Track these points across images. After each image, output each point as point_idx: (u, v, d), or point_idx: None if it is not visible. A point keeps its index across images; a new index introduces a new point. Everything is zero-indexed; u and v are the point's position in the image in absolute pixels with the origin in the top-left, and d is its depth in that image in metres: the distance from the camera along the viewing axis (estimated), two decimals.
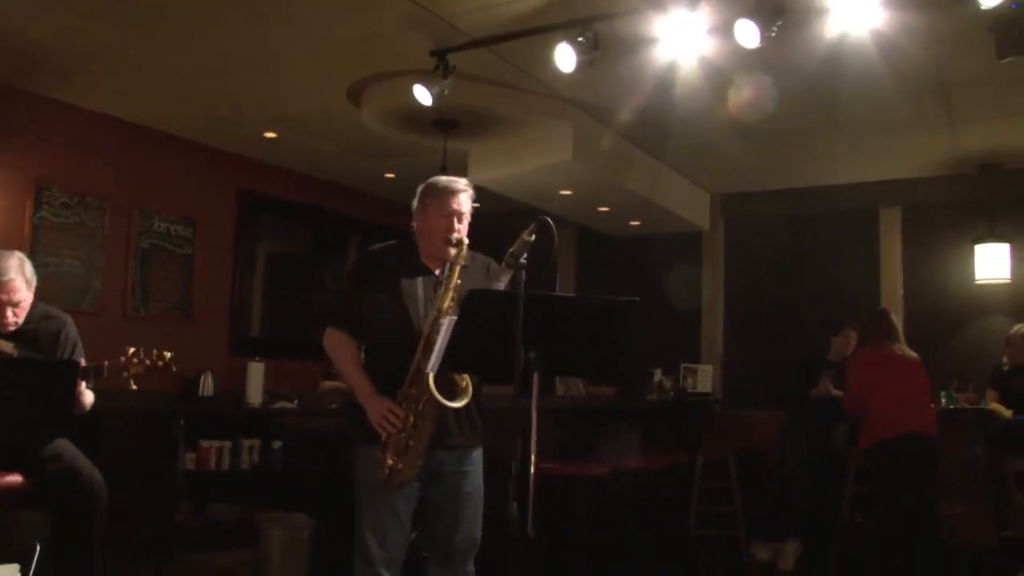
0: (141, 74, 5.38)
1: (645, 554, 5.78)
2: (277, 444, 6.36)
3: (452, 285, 2.93)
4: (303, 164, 7.32)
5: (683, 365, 7.48)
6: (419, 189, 3.19)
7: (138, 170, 6.30)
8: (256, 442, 6.34)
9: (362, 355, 3.20)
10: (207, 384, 6.43)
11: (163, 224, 6.46)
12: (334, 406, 6.36)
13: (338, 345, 3.15)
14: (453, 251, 3.00)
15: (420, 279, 3.09)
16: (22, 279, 3.61)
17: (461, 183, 3.12)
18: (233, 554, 5.45)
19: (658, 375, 7.17)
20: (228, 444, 6.22)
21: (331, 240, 7.92)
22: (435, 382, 2.80)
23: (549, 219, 2.59)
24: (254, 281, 7.30)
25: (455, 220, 3.05)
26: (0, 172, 5.43)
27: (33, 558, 1.34)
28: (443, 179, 3.14)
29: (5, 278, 3.55)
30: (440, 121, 5.60)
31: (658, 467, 5.71)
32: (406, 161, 6.83)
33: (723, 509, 6.38)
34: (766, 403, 7.01)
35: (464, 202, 3.09)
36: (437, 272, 3.11)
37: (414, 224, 3.19)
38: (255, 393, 6.60)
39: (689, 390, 7.36)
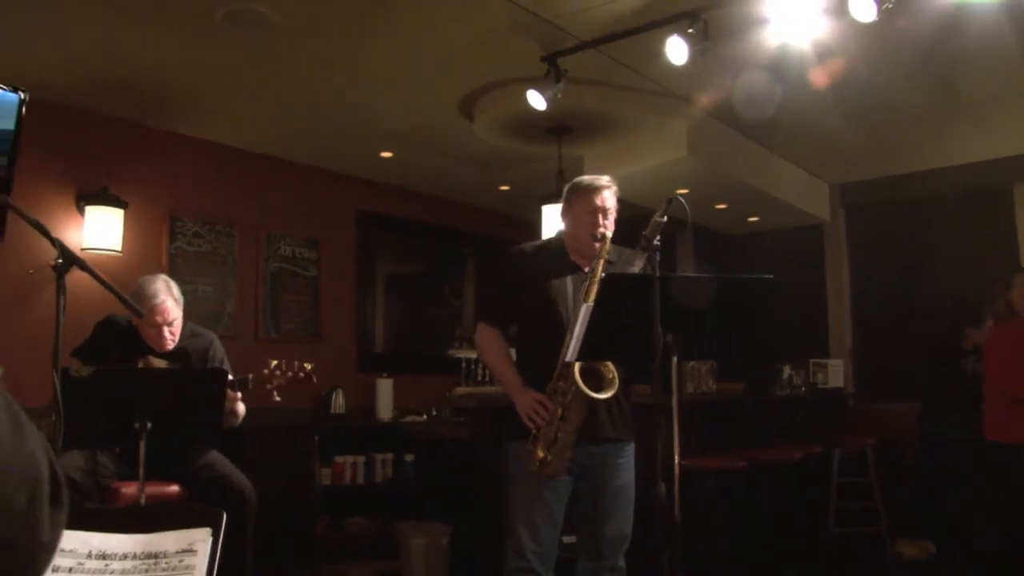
0: (259, 104, 5.60)
1: (785, 551, 5.65)
2: (409, 457, 6.49)
3: (597, 278, 2.96)
4: (418, 182, 7.45)
5: (812, 360, 7.31)
6: (565, 189, 3.28)
7: (263, 196, 6.55)
8: (389, 456, 6.50)
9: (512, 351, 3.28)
10: (339, 401, 6.61)
11: (289, 248, 6.68)
12: (462, 419, 6.43)
13: (488, 340, 3.24)
14: (598, 245, 3.05)
15: (569, 277, 3.16)
16: (172, 300, 3.80)
17: (604, 180, 3.19)
18: (374, 565, 5.58)
19: (786, 371, 7.02)
20: (362, 459, 6.39)
21: (448, 256, 8.05)
22: (582, 374, 2.83)
23: (680, 197, 2.59)
24: (376, 299, 7.48)
25: (600, 216, 3.11)
26: (138, 207, 5.70)
27: (221, 523, 1.42)
28: (587, 178, 3.23)
29: (156, 301, 3.73)
30: (554, 127, 5.64)
31: (793, 461, 5.59)
32: (520, 172, 6.90)
33: (863, 504, 6.19)
34: (901, 395, 6.80)
35: (608, 198, 3.15)
36: (586, 269, 3.15)
37: (562, 225, 3.27)
38: (385, 408, 6.76)
39: (820, 385, 7.18)
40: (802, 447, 5.82)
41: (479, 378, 7.43)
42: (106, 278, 5.35)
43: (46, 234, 2.49)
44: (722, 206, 7.19)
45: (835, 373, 7.38)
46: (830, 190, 7.92)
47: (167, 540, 1.35)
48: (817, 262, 8.03)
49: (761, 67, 4.83)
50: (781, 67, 4.80)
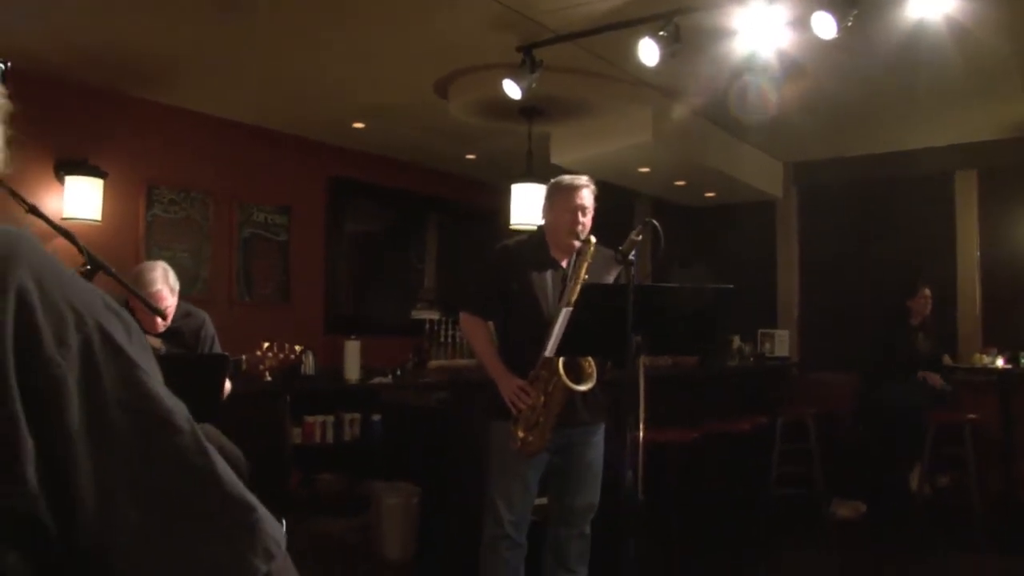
0: (238, 74, 5.69)
1: (731, 515, 6.04)
2: (376, 417, 6.74)
3: (580, 279, 3.23)
4: (388, 149, 7.61)
5: (760, 331, 7.67)
6: (546, 188, 3.53)
7: (237, 164, 6.68)
8: (356, 416, 6.73)
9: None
10: (309, 363, 6.80)
11: (261, 214, 6.85)
12: (427, 380, 6.69)
13: (474, 329, 3.52)
14: (579, 244, 3.31)
15: (549, 272, 3.42)
16: (167, 288, 3.98)
17: (583, 179, 3.44)
18: (344, 521, 5.85)
19: (736, 342, 7.37)
20: (331, 419, 6.62)
21: (413, 219, 8.25)
22: (565, 367, 3.12)
23: (656, 222, 2.87)
24: (344, 262, 7.67)
25: (579, 214, 3.36)
26: (117, 176, 5.82)
27: (283, 543, 1.65)
28: (566, 177, 3.47)
29: (153, 289, 3.89)
30: (525, 109, 5.84)
31: (742, 430, 5.96)
32: (489, 144, 7.10)
33: (803, 469, 6.61)
34: (842, 366, 7.19)
35: (586, 197, 3.40)
36: (564, 264, 3.42)
37: (543, 220, 3.52)
38: (353, 369, 6.97)
39: (767, 355, 7.56)
40: (749, 418, 6.18)
41: (442, 339, 7.70)
42: (86, 246, 5.52)
43: (74, 241, 2.66)
44: (681, 183, 7.45)
45: (781, 343, 7.77)
46: (784, 168, 8.23)
47: None
48: (769, 236, 8.37)
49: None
50: (747, 68, 5.06)
